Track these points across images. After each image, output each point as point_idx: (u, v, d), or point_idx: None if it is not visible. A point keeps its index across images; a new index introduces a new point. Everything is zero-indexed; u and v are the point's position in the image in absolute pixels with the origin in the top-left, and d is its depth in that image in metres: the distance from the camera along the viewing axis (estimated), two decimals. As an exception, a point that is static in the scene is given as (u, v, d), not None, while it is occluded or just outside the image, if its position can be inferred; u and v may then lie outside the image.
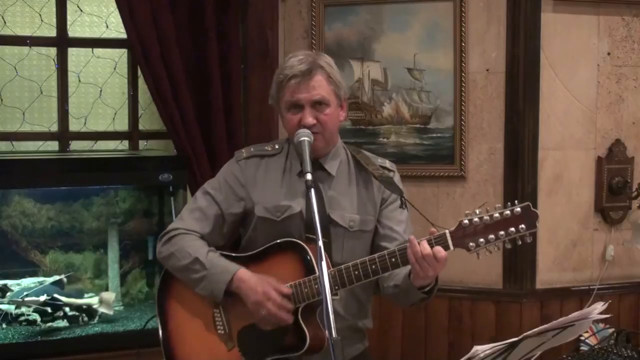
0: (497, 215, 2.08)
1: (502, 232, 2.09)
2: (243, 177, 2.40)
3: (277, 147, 2.44)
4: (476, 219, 2.10)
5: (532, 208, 2.10)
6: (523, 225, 2.08)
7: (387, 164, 2.48)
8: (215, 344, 2.33)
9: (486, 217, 2.09)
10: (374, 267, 2.18)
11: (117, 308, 3.54)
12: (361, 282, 2.21)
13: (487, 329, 3.42)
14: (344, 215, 2.35)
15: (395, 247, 2.21)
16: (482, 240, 2.09)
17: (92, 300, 3.43)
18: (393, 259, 2.17)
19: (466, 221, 2.11)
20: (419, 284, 2.18)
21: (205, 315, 2.36)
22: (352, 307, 2.39)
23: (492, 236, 2.09)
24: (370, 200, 2.40)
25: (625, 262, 3.52)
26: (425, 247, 2.10)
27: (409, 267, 2.18)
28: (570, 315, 1.94)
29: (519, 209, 2.09)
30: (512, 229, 2.08)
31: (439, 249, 2.10)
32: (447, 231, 2.12)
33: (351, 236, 2.36)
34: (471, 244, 2.10)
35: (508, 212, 2.08)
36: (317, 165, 2.35)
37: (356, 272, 2.19)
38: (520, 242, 2.11)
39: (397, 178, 2.46)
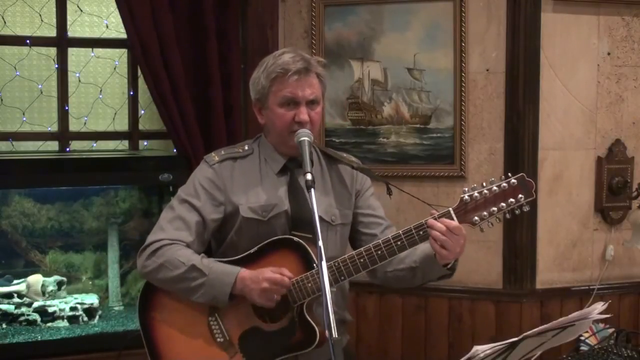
0: (495, 188, 2.14)
1: (502, 204, 2.14)
2: (220, 181, 2.34)
3: (246, 148, 2.42)
4: (476, 194, 2.15)
5: (526, 178, 2.16)
6: (521, 195, 2.13)
7: (353, 157, 2.51)
8: (215, 353, 2.28)
9: (485, 191, 2.14)
10: (379, 252, 2.20)
11: (117, 308, 3.55)
12: (367, 269, 2.22)
13: (487, 329, 3.42)
14: (326, 210, 2.36)
15: (400, 231, 2.20)
16: (485, 213, 2.15)
17: (19, 287, 3.36)
18: (399, 242, 2.18)
19: (467, 197, 2.16)
20: (444, 262, 2.20)
21: (200, 325, 2.30)
22: (339, 299, 2.40)
23: (494, 209, 2.14)
24: (345, 194, 2.43)
25: (625, 262, 3.52)
26: (447, 221, 2.13)
27: (419, 247, 2.21)
28: (570, 315, 1.94)
29: (514, 180, 2.14)
30: (512, 199, 2.13)
31: (454, 222, 2.12)
32: (450, 208, 2.17)
33: (333, 230, 2.38)
34: (475, 218, 2.15)
35: (505, 184, 2.14)
36: (296, 163, 2.35)
37: (362, 260, 2.21)
38: (519, 212, 2.16)
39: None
